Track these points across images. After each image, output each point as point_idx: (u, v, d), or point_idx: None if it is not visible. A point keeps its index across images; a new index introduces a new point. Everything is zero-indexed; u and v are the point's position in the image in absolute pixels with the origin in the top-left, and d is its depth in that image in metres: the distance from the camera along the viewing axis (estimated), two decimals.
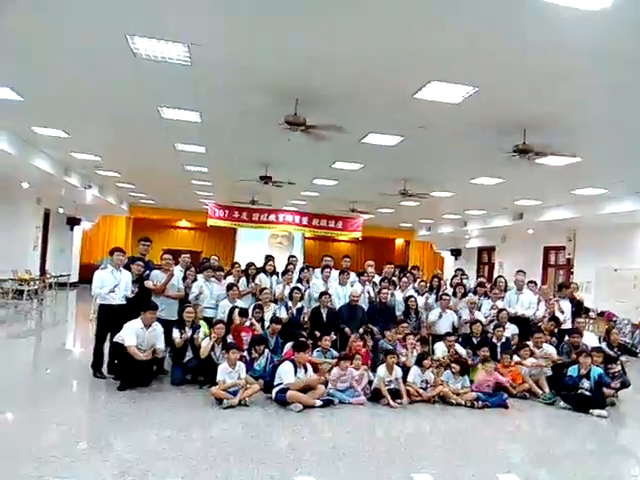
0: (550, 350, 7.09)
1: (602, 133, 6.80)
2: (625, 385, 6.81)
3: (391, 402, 5.90)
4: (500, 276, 9.48)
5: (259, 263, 8.26)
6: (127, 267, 6.51)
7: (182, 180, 13.66)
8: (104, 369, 6.32)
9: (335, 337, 6.86)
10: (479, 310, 7.90)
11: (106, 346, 6.36)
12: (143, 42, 4.90)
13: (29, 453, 3.97)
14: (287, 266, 8.12)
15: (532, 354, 6.93)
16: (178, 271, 7.05)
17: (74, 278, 18.61)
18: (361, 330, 6.98)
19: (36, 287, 13.82)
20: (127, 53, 5.14)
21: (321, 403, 5.63)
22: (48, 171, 11.20)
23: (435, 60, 4.88)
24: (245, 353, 6.20)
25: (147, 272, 6.65)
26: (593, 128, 6.60)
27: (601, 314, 12.26)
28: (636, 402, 6.95)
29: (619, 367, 6.82)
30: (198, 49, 4.98)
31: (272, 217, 18.29)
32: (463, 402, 6.14)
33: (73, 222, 18.11)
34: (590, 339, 7.44)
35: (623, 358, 7.02)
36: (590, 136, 6.90)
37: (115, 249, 6.62)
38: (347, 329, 7.07)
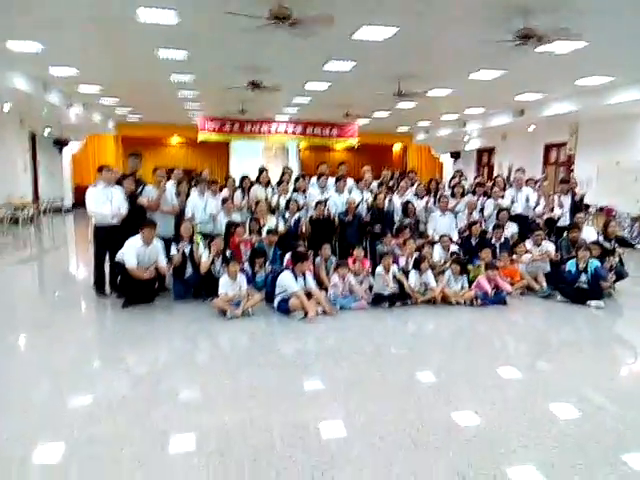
0: (549, 247, 7.11)
1: (609, 14, 6.28)
2: (622, 276, 6.90)
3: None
4: (498, 175, 9.26)
5: (254, 177, 8.05)
6: (119, 183, 6.37)
7: (168, 91, 13.00)
8: (106, 288, 6.38)
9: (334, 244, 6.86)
10: (482, 211, 7.82)
11: (106, 265, 6.38)
12: None
13: (45, 370, 4.08)
14: (281, 177, 7.93)
15: (527, 251, 6.98)
16: (171, 186, 6.91)
17: (68, 202, 18.40)
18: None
19: (31, 213, 13.69)
20: None
21: (322, 310, 5.72)
22: (26, 90, 10.65)
23: None
24: (246, 266, 6.22)
25: (140, 189, 6.50)
26: (600, 9, 6.09)
27: (601, 209, 12.24)
28: (632, 293, 7.08)
29: (616, 259, 6.88)
30: None
31: (265, 128, 17.73)
32: (463, 301, 6.26)
33: (61, 143, 17.55)
34: (589, 233, 7.43)
35: (620, 250, 7.04)
36: (596, 18, 6.39)
37: (102, 166, 6.43)
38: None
